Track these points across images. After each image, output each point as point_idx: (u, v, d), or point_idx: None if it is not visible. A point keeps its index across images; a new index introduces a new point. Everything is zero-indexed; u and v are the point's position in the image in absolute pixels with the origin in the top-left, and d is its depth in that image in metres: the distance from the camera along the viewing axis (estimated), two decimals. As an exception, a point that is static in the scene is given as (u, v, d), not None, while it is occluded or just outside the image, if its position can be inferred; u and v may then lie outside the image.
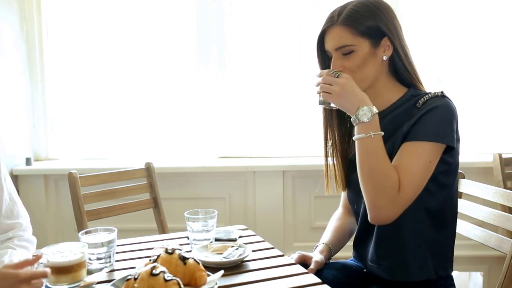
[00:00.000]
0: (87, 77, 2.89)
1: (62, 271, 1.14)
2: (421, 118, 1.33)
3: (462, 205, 1.70)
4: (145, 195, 2.14)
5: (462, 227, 1.67)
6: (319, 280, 1.24)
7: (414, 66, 1.44)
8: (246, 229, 1.71)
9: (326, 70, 1.39)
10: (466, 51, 2.82)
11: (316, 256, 1.48)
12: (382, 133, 1.34)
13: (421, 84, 1.45)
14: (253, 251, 1.40)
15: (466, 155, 2.74)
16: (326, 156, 1.56)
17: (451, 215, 1.47)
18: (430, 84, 2.86)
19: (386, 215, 1.33)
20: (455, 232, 1.50)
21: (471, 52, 2.81)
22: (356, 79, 1.36)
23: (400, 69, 1.42)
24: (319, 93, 1.39)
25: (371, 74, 1.40)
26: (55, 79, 2.89)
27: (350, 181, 1.54)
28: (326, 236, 1.59)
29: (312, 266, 1.41)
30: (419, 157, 1.31)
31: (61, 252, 1.16)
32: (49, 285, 1.15)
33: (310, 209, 2.75)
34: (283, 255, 1.44)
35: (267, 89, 2.88)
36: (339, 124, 1.53)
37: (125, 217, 2.11)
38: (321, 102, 1.42)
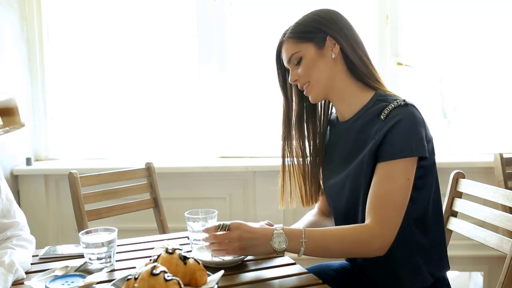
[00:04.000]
0: (87, 77, 2.90)
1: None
2: (387, 134, 1.31)
3: (462, 205, 1.70)
4: (145, 195, 2.14)
5: (462, 227, 1.67)
6: (319, 280, 1.25)
7: (368, 62, 1.43)
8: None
9: (213, 227, 1.28)
10: (466, 51, 2.82)
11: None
12: (303, 229, 1.28)
13: (381, 83, 1.44)
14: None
15: (466, 155, 2.75)
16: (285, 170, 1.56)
17: (437, 214, 1.45)
18: (430, 84, 2.88)
19: (381, 249, 1.30)
20: (444, 229, 1.49)
21: (471, 52, 2.81)
22: (312, 83, 1.41)
23: (352, 65, 1.41)
24: (214, 252, 1.29)
25: (325, 74, 1.41)
26: (55, 79, 2.89)
27: (325, 187, 1.53)
28: (296, 226, 1.55)
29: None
30: (395, 179, 1.30)
31: None
32: None
33: (310, 209, 2.75)
34: (283, 255, 1.44)
35: (268, 89, 2.88)
36: (313, 123, 1.54)
37: (125, 217, 2.11)
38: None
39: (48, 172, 2.75)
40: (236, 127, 2.88)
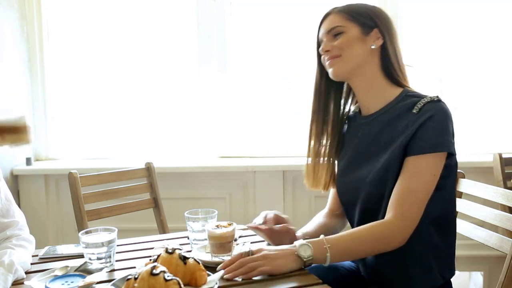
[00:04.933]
0: (87, 77, 2.90)
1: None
2: (419, 128, 1.32)
3: (462, 205, 1.70)
4: (145, 195, 2.14)
5: (462, 227, 1.67)
6: (319, 280, 1.24)
7: (403, 66, 1.46)
8: (246, 229, 1.70)
9: (237, 255, 1.28)
10: (466, 51, 2.82)
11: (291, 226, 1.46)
12: (323, 237, 1.30)
13: (409, 85, 1.45)
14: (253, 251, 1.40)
15: (466, 155, 2.75)
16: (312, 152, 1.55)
17: (452, 216, 1.47)
18: (430, 84, 2.88)
19: (401, 243, 1.32)
20: (455, 232, 1.49)
21: (471, 52, 2.81)
22: (344, 57, 1.40)
23: (389, 64, 1.42)
24: (242, 275, 1.23)
25: (358, 55, 1.40)
26: (55, 79, 2.89)
27: (341, 182, 1.53)
28: (306, 228, 1.56)
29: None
30: (423, 174, 1.31)
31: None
32: None
33: (310, 209, 2.75)
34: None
35: (268, 89, 2.88)
36: (334, 111, 1.53)
37: (125, 217, 2.11)
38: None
39: (48, 172, 2.75)
40: (236, 127, 2.88)
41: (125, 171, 2.11)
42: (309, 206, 2.75)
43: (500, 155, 2.47)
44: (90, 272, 1.26)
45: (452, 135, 1.35)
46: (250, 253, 1.28)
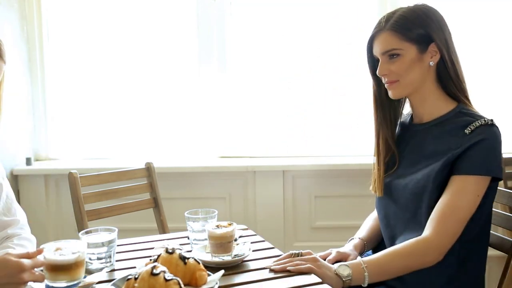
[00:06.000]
0: (87, 77, 2.90)
1: (60, 268, 1.15)
2: (469, 149, 1.33)
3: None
4: (145, 195, 2.14)
5: (462, 227, 1.67)
6: (319, 280, 1.25)
7: (462, 77, 1.44)
8: (247, 229, 1.71)
9: (286, 255, 1.36)
10: (465, 51, 2.80)
11: (352, 253, 1.48)
12: (360, 259, 1.34)
13: (468, 99, 1.45)
14: (253, 251, 1.41)
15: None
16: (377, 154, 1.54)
17: (488, 230, 1.46)
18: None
19: (437, 259, 1.32)
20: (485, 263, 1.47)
21: (471, 52, 2.80)
22: (402, 83, 1.40)
23: (446, 77, 1.42)
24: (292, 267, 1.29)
25: (417, 78, 1.40)
26: (55, 78, 2.89)
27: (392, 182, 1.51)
28: (362, 232, 1.60)
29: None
30: (467, 193, 1.32)
31: (60, 250, 1.16)
32: (47, 282, 1.15)
33: (311, 209, 2.75)
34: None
35: (268, 89, 2.88)
36: (389, 122, 1.53)
37: (125, 217, 2.11)
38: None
39: (48, 172, 2.75)
40: (236, 127, 2.88)
41: (125, 171, 2.11)
42: (309, 206, 2.75)
43: (500, 155, 2.47)
44: (90, 272, 1.26)
45: (501, 160, 1.36)
46: (300, 254, 1.34)
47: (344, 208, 2.71)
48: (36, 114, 2.86)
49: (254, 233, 1.65)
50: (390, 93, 1.45)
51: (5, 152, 2.63)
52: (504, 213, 1.56)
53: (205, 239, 1.45)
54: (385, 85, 1.45)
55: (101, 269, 1.28)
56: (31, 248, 1.43)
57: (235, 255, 1.35)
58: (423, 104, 1.45)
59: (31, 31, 2.81)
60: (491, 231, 1.56)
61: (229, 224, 1.37)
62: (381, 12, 2.72)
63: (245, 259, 1.36)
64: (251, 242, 1.50)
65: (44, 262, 1.11)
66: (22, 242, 1.39)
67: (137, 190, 2.13)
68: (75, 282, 1.17)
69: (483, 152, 1.33)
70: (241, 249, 1.39)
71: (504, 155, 2.44)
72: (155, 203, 2.13)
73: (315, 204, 2.75)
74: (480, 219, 1.40)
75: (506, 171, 2.46)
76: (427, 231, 1.33)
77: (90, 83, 2.90)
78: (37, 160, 2.88)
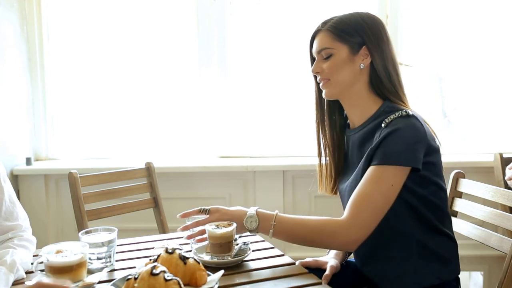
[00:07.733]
0: (87, 77, 2.90)
1: (62, 271, 1.15)
2: (383, 140, 1.34)
3: (462, 205, 1.70)
4: (145, 195, 2.14)
5: (462, 227, 1.67)
6: (319, 280, 1.25)
7: (395, 82, 1.45)
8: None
9: (194, 210, 1.45)
10: (466, 51, 2.82)
11: (331, 261, 1.47)
12: (277, 211, 1.39)
13: (400, 98, 1.44)
14: (253, 251, 1.41)
15: (466, 155, 2.75)
16: (319, 155, 1.59)
17: (443, 213, 1.46)
18: (430, 83, 2.88)
19: (346, 245, 1.38)
20: (452, 231, 1.48)
21: (471, 52, 2.81)
22: (333, 82, 1.44)
23: (377, 81, 1.43)
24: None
25: (347, 79, 1.43)
26: (55, 78, 2.89)
27: (339, 189, 1.57)
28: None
29: (327, 272, 1.40)
30: (380, 183, 1.33)
31: (62, 252, 1.16)
32: None
33: (310, 209, 2.75)
34: (283, 255, 1.44)
35: (268, 89, 2.88)
36: (331, 124, 1.56)
37: (125, 217, 2.11)
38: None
39: (48, 172, 2.75)
40: (236, 127, 2.88)
41: (125, 171, 2.11)
42: (308, 206, 2.75)
43: (500, 154, 2.47)
44: (90, 272, 1.26)
45: (417, 149, 1.33)
46: (207, 211, 1.43)
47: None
48: (36, 114, 2.86)
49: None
50: (323, 93, 1.48)
51: (5, 152, 2.63)
52: (504, 213, 1.55)
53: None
54: (319, 84, 1.48)
55: (101, 269, 1.28)
56: (32, 248, 1.42)
57: (235, 255, 1.35)
58: (354, 108, 1.47)
59: (31, 31, 2.81)
60: (491, 231, 1.57)
61: (229, 224, 1.37)
62: (381, 13, 2.73)
63: (245, 259, 1.37)
64: (251, 242, 1.50)
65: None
66: (23, 243, 1.38)
67: (137, 190, 2.13)
68: (76, 284, 1.17)
69: (397, 141, 1.33)
70: (241, 249, 1.39)
71: (505, 155, 2.47)
72: (155, 203, 2.13)
73: (314, 204, 2.75)
74: (426, 209, 1.40)
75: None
76: (343, 215, 1.35)
77: (90, 83, 2.90)
78: (37, 160, 2.88)
